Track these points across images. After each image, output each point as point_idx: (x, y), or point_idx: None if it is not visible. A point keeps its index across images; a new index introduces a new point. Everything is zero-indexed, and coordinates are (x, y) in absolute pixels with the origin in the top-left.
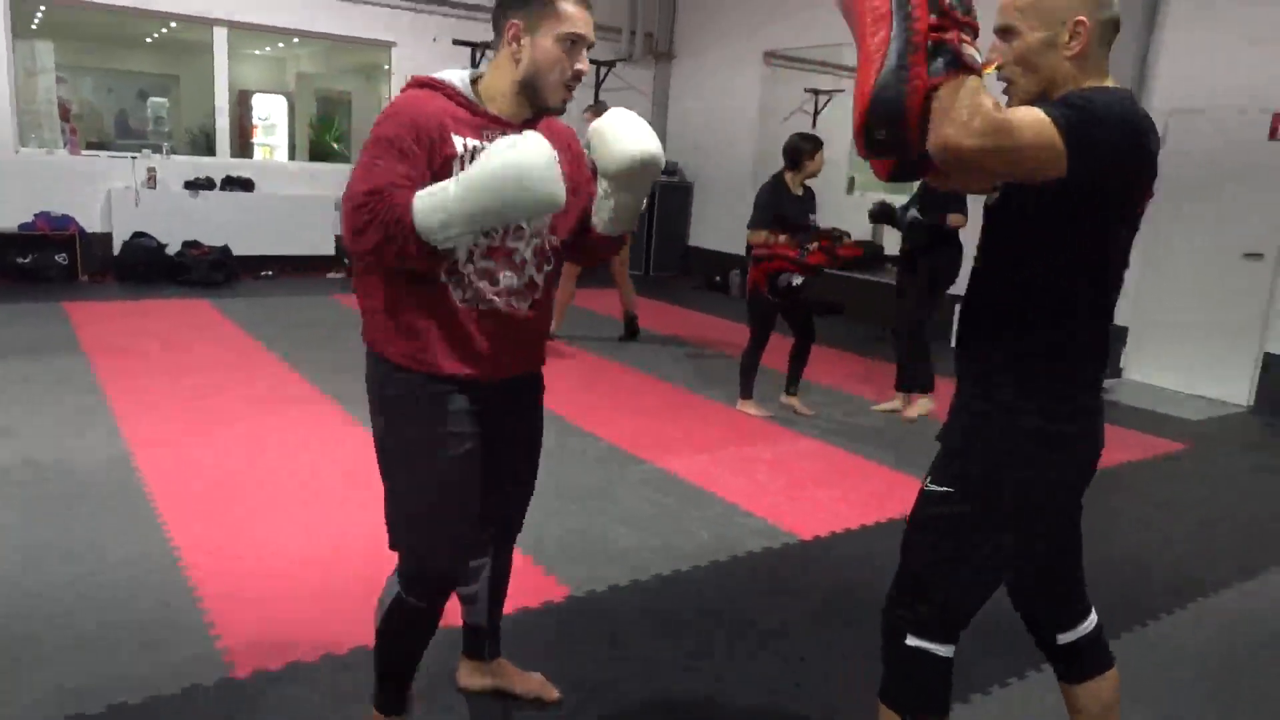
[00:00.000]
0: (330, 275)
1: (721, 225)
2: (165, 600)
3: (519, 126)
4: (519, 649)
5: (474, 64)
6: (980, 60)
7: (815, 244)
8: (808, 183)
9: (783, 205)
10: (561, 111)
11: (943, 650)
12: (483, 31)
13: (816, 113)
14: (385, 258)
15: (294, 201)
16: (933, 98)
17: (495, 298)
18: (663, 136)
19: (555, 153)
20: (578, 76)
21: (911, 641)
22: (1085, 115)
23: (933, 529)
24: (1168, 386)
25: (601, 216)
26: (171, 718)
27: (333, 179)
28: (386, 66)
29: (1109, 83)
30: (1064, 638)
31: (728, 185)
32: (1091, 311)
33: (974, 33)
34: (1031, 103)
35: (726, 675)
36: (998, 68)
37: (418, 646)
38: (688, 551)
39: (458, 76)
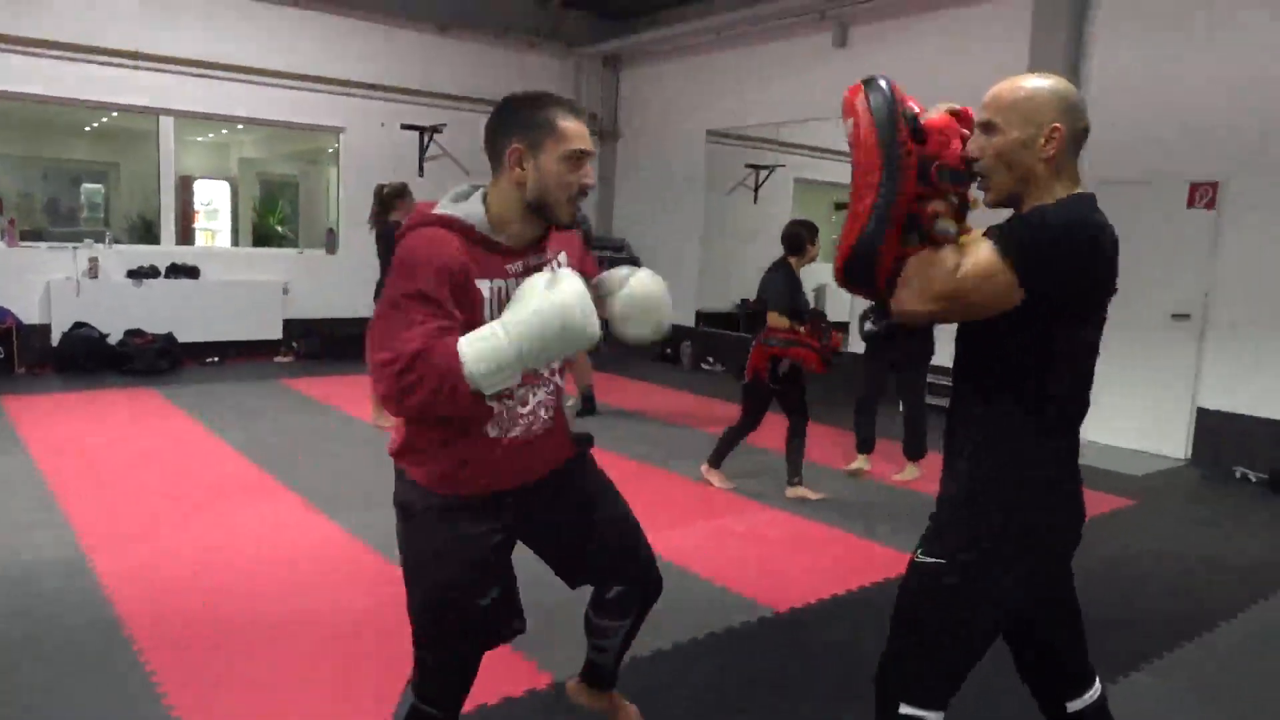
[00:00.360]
0: (278, 359)
1: (671, 296)
2: (129, 704)
3: (534, 252)
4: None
5: (422, 148)
6: (952, 231)
7: (827, 330)
8: None
9: (797, 291)
10: (572, 226)
11: (935, 717)
12: (430, 115)
13: (758, 186)
14: (431, 413)
15: (240, 287)
16: (902, 263)
17: (520, 420)
18: (609, 212)
19: (586, 290)
20: (584, 191)
21: (905, 710)
22: (1030, 244)
23: (924, 599)
24: (1113, 444)
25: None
26: None
27: (278, 263)
28: (331, 149)
29: (1079, 188)
30: (1073, 706)
31: (674, 258)
32: (1065, 398)
33: (961, 199)
34: (1007, 200)
35: None
36: (975, 161)
37: None
38: (669, 630)
39: (467, 210)
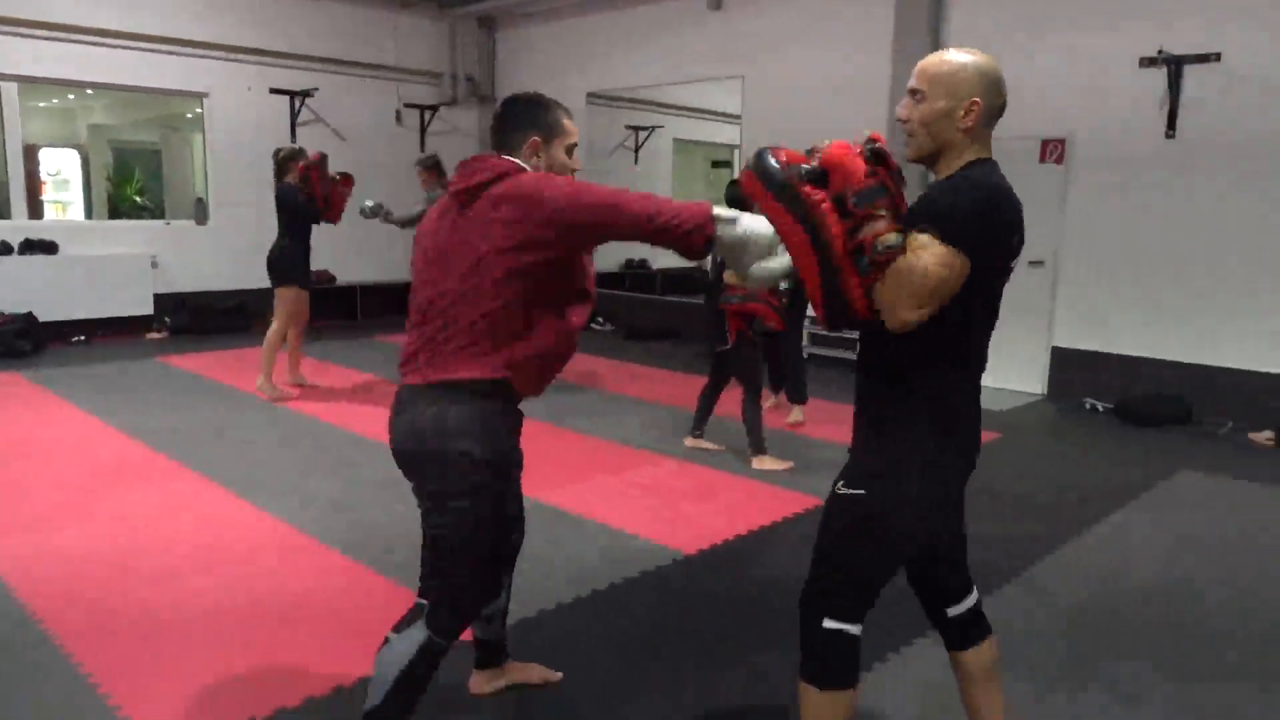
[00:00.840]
0: (150, 335)
1: None
2: (55, 686)
3: None
4: (437, 688)
5: (294, 113)
6: (897, 243)
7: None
8: None
9: None
10: None
11: (854, 629)
12: (301, 79)
13: (638, 147)
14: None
15: (103, 261)
16: (873, 289)
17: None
18: None
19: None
20: (575, 172)
21: (828, 624)
22: (955, 223)
23: (845, 526)
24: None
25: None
26: None
27: (144, 236)
28: (190, 115)
29: (986, 155)
30: (953, 611)
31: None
32: (980, 345)
33: (889, 208)
34: (925, 159)
35: (641, 690)
36: (902, 121)
37: (429, 683)
38: (582, 577)
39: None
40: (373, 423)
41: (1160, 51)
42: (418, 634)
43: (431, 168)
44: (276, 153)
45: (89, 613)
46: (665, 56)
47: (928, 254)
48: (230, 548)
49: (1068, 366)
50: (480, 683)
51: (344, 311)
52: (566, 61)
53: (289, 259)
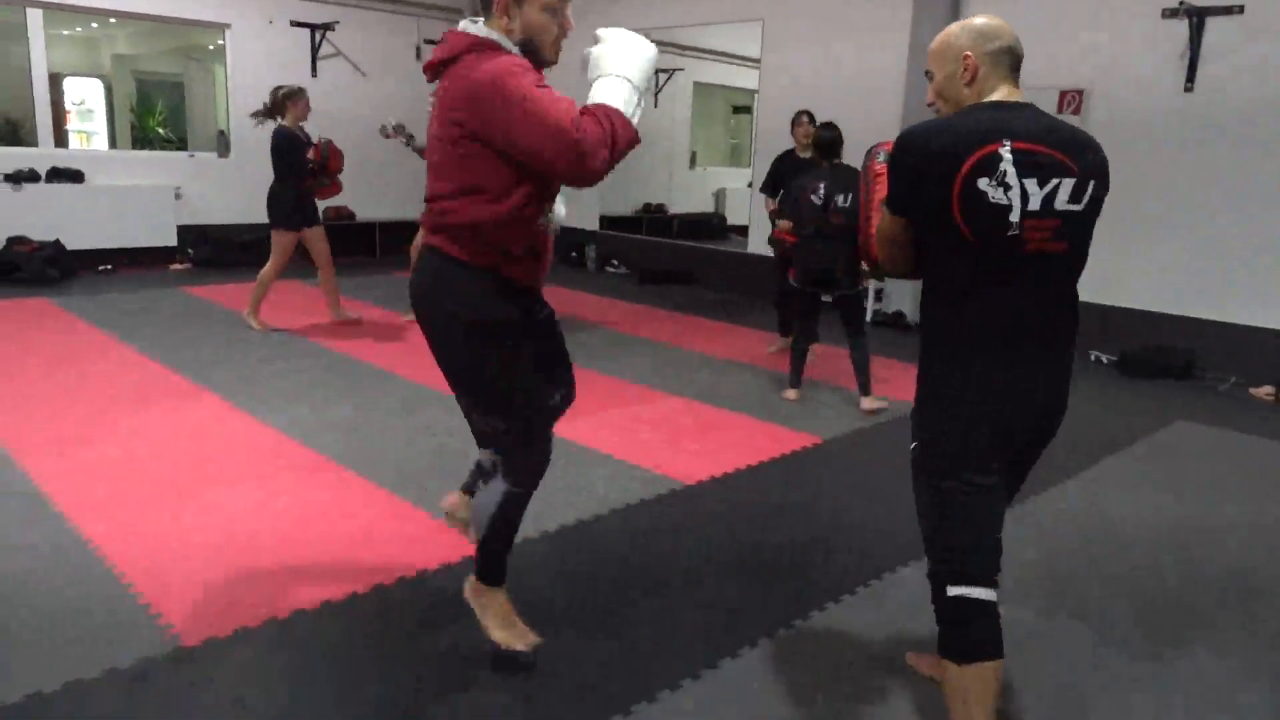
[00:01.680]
0: (174, 267)
1: (579, 199)
2: (93, 587)
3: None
4: (437, 606)
5: (314, 47)
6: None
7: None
8: None
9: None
10: (554, 63)
11: (982, 594)
12: (321, 13)
13: (658, 90)
14: (614, 160)
15: (130, 192)
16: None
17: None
18: None
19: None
20: (566, 32)
21: (952, 591)
22: (890, 175)
23: (918, 481)
24: None
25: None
26: (129, 689)
27: (169, 167)
28: (212, 47)
29: (996, 96)
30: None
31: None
32: (999, 309)
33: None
34: None
35: (637, 615)
36: (929, 102)
37: (519, 522)
38: (587, 505)
39: (514, 46)
40: (387, 355)
41: (1182, 3)
42: (499, 485)
43: None
44: (275, 90)
45: (119, 522)
46: None
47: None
48: (250, 465)
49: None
50: (457, 505)
51: (364, 248)
52: (586, 1)
53: (278, 202)
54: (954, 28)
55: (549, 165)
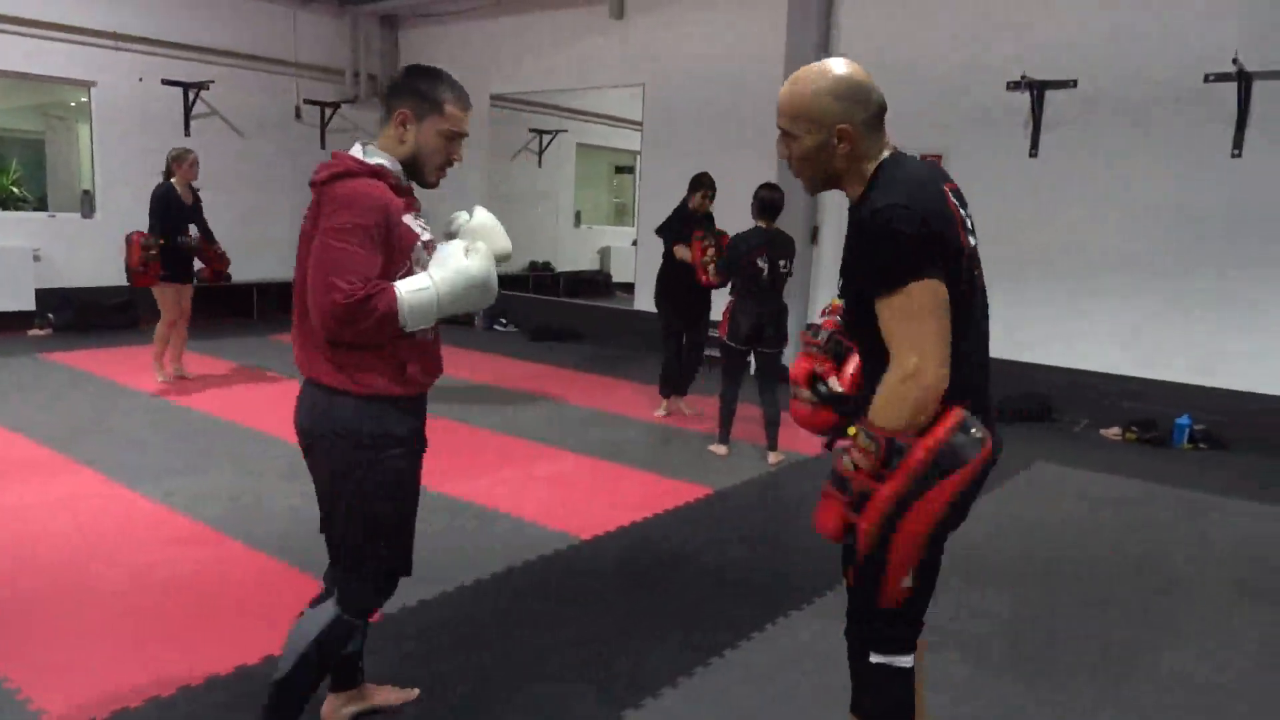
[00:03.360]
0: (32, 332)
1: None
2: None
3: (413, 198)
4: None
5: (188, 106)
6: (860, 439)
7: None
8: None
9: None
10: (434, 186)
11: (904, 661)
12: (196, 71)
13: (541, 151)
14: (359, 340)
15: None
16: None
17: (428, 330)
18: None
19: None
20: (451, 163)
21: (875, 659)
22: (904, 263)
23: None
24: None
25: None
26: None
27: (25, 228)
28: (74, 104)
29: (885, 154)
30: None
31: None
32: (969, 355)
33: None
34: (820, 188)
35: (541, 667)
36: (786, 159)
37: (335, 659)
38: (481, 561)
39: (389, 160)
40: (268, 418)
41: (1023, 77)
42: (329, 609)
43: None
44: (169, 153)
45: (36, 645)
46: (568, 63)
47: (894, 327)
48: (127, 539)
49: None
50: (334, 708)
51: (241, 309)
52: (470, 63)
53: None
54: (818, 85)
55: (310, 304)
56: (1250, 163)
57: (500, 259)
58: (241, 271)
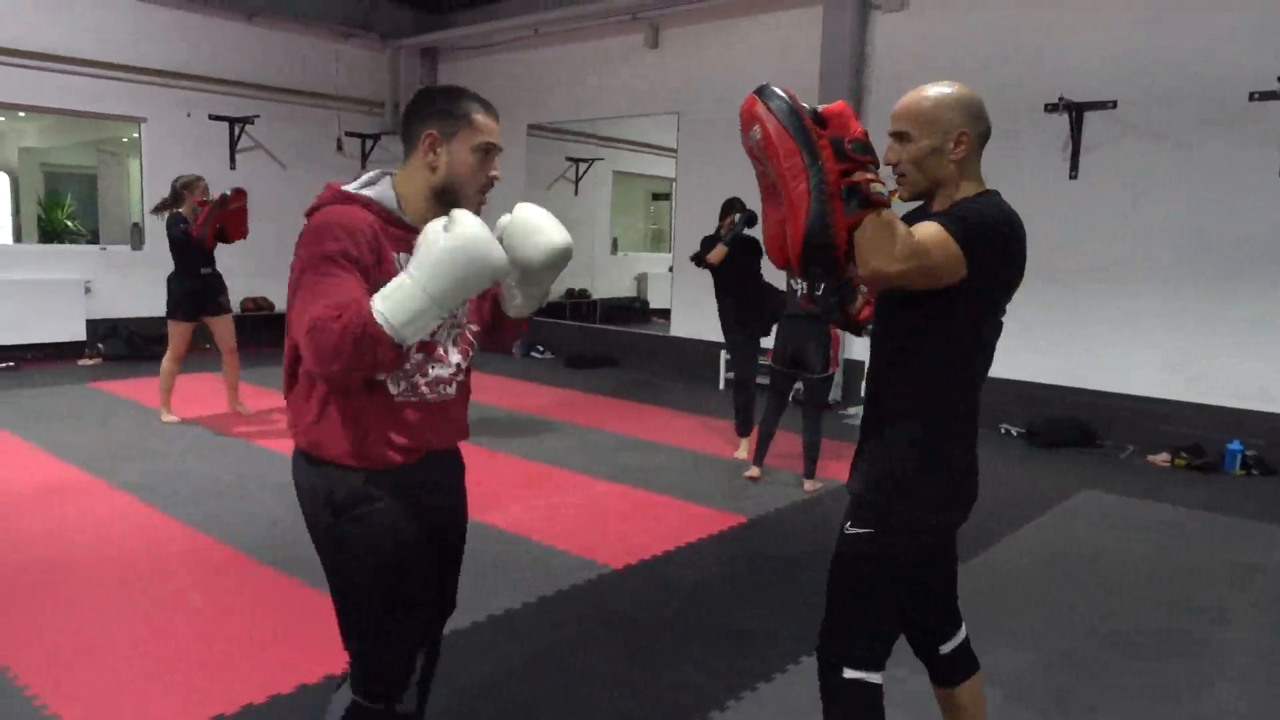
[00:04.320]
0: (82, 362)
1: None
2: None
3: None
4: None
5: (233, 140)
6: (885, 193)
7: None
8: None
9: None
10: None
11: (876, 678)
12: (241, 106)
13: (578, 179)
14: (359, 371)
15: (35, 286)
16: (855, 233)
17: (425, 390)
18: None
19: (483, 223)
20: (492, 182)
21: (849, 674)
22: (972, 225)
23: (853, 567)
24: None
25: (514, 303)
26: None
27: (77, 260)
28: (126, 139)
29: (982, 186)
30: (944, 648)
31: None
32: (967, 384)
33: (876, 167)
34: (920, 196)
35: (573, 698)
36: (893, 165)
37: None
38: (514, 589)
39: (378, 191)
40: None
41: (1061, 99)
42: (345, 695)
43: None
44: (175, 181)
45: (20, 620)
46: (604, 92)
47: (922, 227)
48: (162, 563)
49: (984, 392)
50: None
51: (276, 339)
52: (507, 94)
53: (170, 291)
54: (943, 92)
55: (301, 349)
56: None
57: (557, 257)
58: (283, 300)
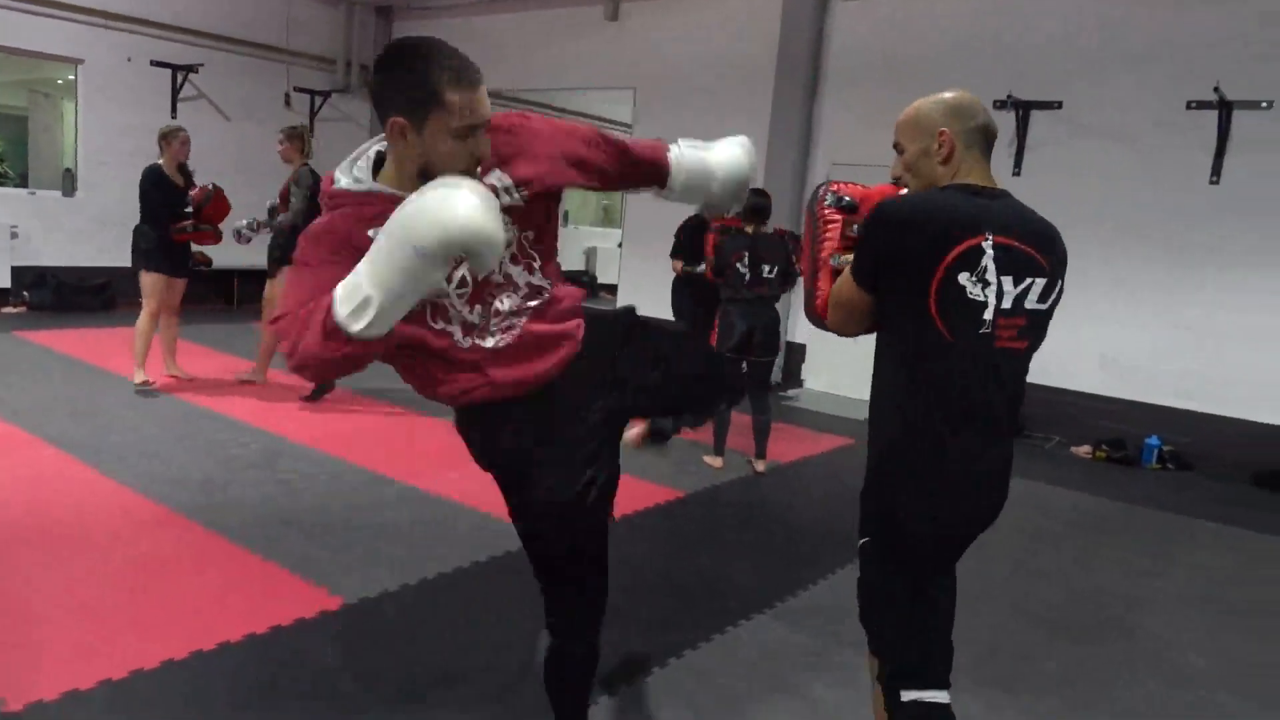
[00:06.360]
0: (6, 310)
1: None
2: None
3: None
4: (290, 665)
5: (175, 88)
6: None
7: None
8: None
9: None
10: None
11: (938, 696)
12: (185, 54)
13: None
14: (329, 366)
15: None
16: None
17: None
18: None
19: (468, 185)
20: (480, 161)
21: (906, 696)
22: (862, 242)
23: (864, 576)
24: (838, 392)
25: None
26: None
27: (3, 204)
28: (61, 81)
29: (972, 179)
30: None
31: None
32: (919, 395)
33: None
34: None
35: (496, 658)
36: (895, 179)
37: (583, 689)
38: (450, 556)
39: (351, 182)
40: (244, 406)
41: (1010, 96)
42: (545, 639)
43: (294, 138)
44: (160, 129)
45: None
46: (561, 62)
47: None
48: (90, 520)
49: None
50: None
51: (221, 296)
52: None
53: (141, 242)
54: (926, 102)
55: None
56: (1228, 189)
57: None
58: (222, 257)
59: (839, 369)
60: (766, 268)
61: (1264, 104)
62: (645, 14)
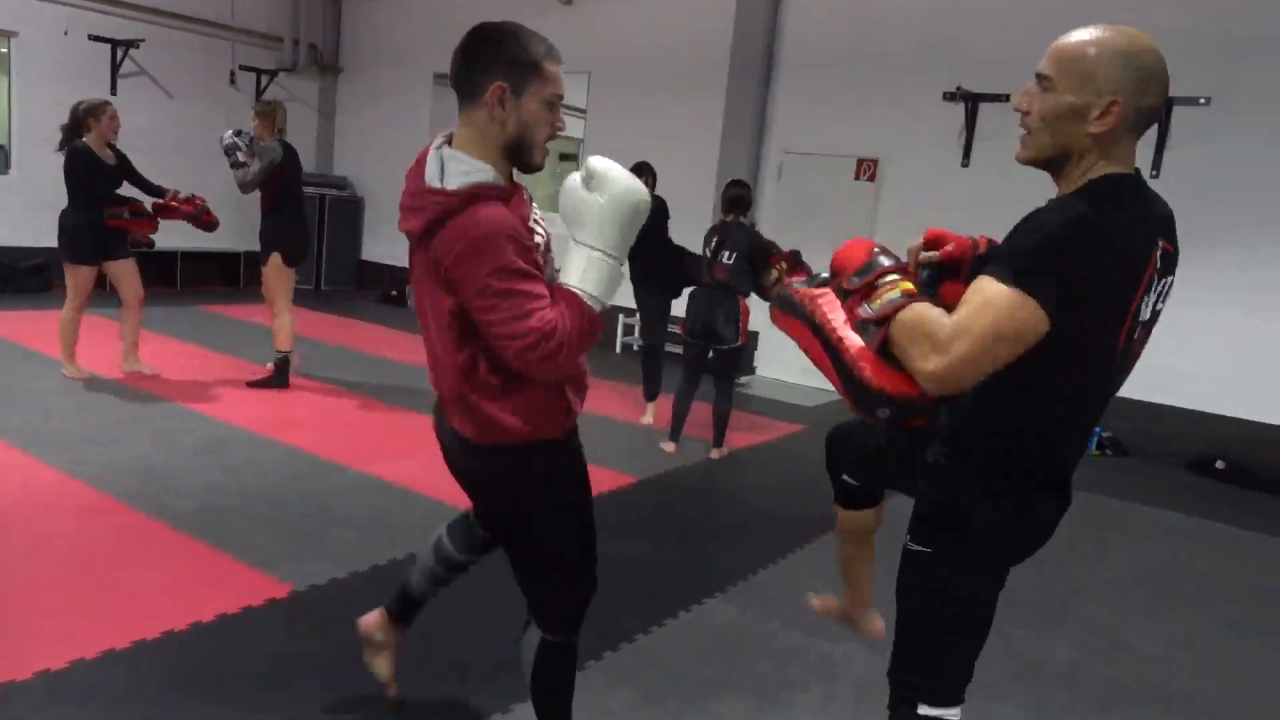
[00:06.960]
0: None
1: (396, 239)
2: None
3: (517, 188)
4: (236, 654)
5: (115, 64)
6: (892, 297)
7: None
8: None
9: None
10: (540, 169)
11: (953, 714)
12: (125, 29)
13: None
14: (578, 358)
15: None
16: (885, 353)
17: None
18: (329, 148)
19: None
20: (554, 134)
21: (924, 710)
22: (1022, 259)
23: (916, 586)
24: (791, 380)
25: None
26: None
27: None
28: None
29: (1120, 168)
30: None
31: (398, 201)
32: (1077, 400)
33: (890, 275)
34: (1039, 160)
35: (444, 647)
36: (1021, 113)
37: (569, 682)
38: (402, 543)
39: (488, 175)
40: (188, 391)
41: (959, 88)
42: (534, 633)
43: (264, 115)
44: (76, 106)
45: None
46: None
47: (970, 292)
48: (28, 507)
49: None
50: (376, 626)
51: (163, 278)
52: (413, 40)
53: (68, 230)
54: (1109, 48)
55: (510, 358)
56: (1167, 182)
57: (636, 204)
58: (165, 239)
59: (790, 359)
60: (726, 253)
61: (1202, 100)
62: None
